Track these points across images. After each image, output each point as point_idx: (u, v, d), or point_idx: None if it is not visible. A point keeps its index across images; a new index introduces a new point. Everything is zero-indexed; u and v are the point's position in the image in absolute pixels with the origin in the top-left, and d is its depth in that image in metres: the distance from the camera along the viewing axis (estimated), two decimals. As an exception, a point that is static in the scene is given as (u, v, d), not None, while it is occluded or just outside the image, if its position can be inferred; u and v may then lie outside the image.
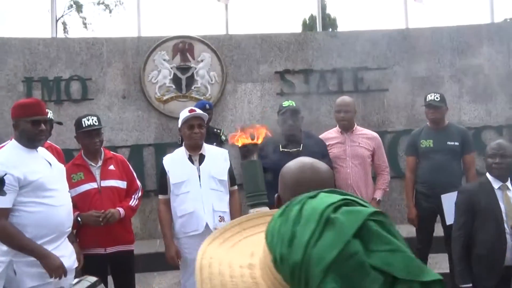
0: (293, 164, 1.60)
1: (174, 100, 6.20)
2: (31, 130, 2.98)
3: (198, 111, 3.75)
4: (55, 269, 2.92)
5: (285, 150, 3.94)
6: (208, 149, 3.77)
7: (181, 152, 3.75)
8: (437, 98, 4.51)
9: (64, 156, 4.15)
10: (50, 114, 3.83)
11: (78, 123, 3.65)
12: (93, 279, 1.17)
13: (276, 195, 1.63)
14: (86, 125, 3.59)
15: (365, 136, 4.42)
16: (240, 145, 2.04)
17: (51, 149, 3.80)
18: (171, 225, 3.71)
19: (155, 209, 6.10)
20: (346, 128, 4.37)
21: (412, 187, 4.62)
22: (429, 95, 4.58)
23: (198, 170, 3.63)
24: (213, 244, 0.87)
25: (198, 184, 3.58)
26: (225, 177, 3.68)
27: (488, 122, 6.36)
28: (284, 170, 1.62)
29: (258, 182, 1.94)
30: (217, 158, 3.71)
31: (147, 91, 6.21)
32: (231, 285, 0.75)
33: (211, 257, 0.81)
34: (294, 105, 4.12)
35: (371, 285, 0.62)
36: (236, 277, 0.76)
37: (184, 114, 3.69)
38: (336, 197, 0.72)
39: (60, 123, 4.05)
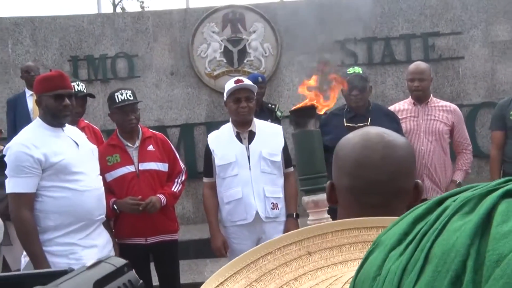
0: (353, 137, 1.09)
1: (225, 75, 5.77)
2: (54, 106, 2.64)
3: (246, 81, 3.25)
4: None
5: (350, 125, 3.38)
6: (259, 125, 3.27)
7: (227, 129, 3.27)
8: None
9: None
10: (81, 87, 3.44)
11: (111, 99, 3.26)
12: (119, 261, 0.79)
13: (328, 183, 1.14)
14: (120, 100, 3.19)
15: (443, 108, 3.80)
16: (292, 108, 1.51)
17: (87, 129, 3.46)
18: (217, 212, 3.29)
19: (207, 192, 5.79)
20: (421, 99, 3.77)
21: (499, 167, 3.96)
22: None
23: (247, 149, 3.16)
24: (225, 286, 0.43)
25: (248, 166, 3.11)
26: (278, 157, 3.18)
27: None
28: (340, 146, 1.11)
29: (315, 161, 1.45)
30: (270, 136, 3.21)
31: (197, 66, 5.83)
32: None
33: None
34: (361, 72, 3.55)
35: None
36: None
37: (229, 85, 3.20)
38: None
39: (91, 96, 3.63)
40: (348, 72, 3.58)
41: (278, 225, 3.19)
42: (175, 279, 3.45)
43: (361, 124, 3.40)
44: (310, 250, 0.45)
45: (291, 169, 3.30)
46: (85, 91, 3.46)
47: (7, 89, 5.79)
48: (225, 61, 5.82)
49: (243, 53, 5.80)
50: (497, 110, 4.04)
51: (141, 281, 0.79)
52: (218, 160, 3.17)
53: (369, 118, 3.48)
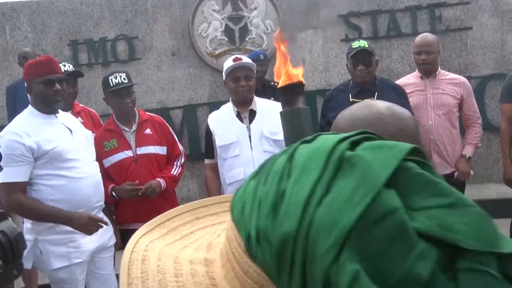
0: (360, 111, 1.04)
1: (227, 54, 5.63)
2: (44, 92, 2.57)
3: (245, 59, 3.14)
4: (85, 228, 2.61)
5: (356, 100, 3.26)
6: (259, 103, 3.17)
7: (228, 109, 3.18)
8: None
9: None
10: (68, 67, 3.34)
11: (105, 82, 3.15)
12: None
13: None
14: (114, 83, 3.08)
15: (451, 81, 3.67)
16: (278, 85, 1.41)
17: (84, 113, 3.38)
18: (220, 194, 3.21)
19: (213, 174, 5.72)
20: (428, 72, 3.64)
21: (509, 141, 3.82)
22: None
23: (248, 129, 3.07)
24: (150, 234, 0.61)
25: (249, 146, 3.03)
26: (281, 136, 3.07)
27: None
28: (346, 122, 1.05)
29: None
30: (271, 114, 3.08)
31: (198, 46, 5.70)
32: (175, 287, 0.49)
33: (146, 250, 0.56)
34: (367, 45, 3.41)
35: (417, 263, 0.35)
36: (185, 275, 0.51)
37: (227, 64, 3.10)
38: (349, 133, 0.47)
39: (80, 74, 3.51)
40: (353, 46, 3.45)
41: None
42: None
43: (368, 100, 3.29)
44: (198, 216, 0.65)
45: None
46: (72, 70, 3.37)
47: (7, 76, 5.72)
48: (226, 39, 5.68)
49: (244, 30, 5.66)
50: (508, 82, 3.89)
51: (19, 230, 0.81)
52: (218, 141, 3.09)
53: (376, 93, 3.37)
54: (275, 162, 0.48)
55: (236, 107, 3.14)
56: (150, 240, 0.58)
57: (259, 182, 0.47)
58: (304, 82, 1.39)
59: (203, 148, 5.54)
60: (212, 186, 3.20)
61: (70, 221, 2.59)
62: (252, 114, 3.12)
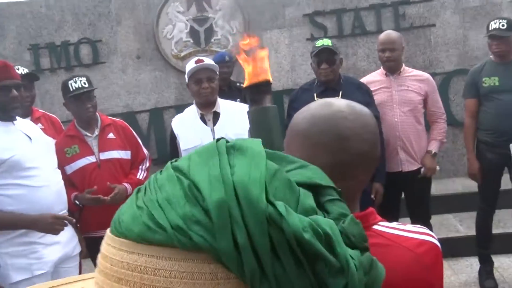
0: (321, 110, 1.03)
1: (193, 56, 5.52)
2: (0, 99, 2.46)
3: (207, 60, 3.09)
4: (51, 228, 2.54)
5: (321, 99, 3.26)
6: (223, 105, 3.13)
7: (191, 112, 3.14)
8: (503, 25, 3.68)
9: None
10: (22, 70, 3.23)
11: (65, 87, 3.06)
12: None
13: None
14: (74, 88, 2.99)
15: (416, 78, 3.70)
16: (245, 84, 1.43)
17: (44, 119, 3.28)
18: None
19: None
20: (393, 69, 3.66)
21: (473, 135, 3.88)
22: (492, 23, 3.75)
23: (213, 131, 3.04)
24: None
25: None
26: (245, 137, 3.05)
27: (557, 53, 5.45)
28: (305, 123, 1.04)
29: (273, 139, 1.29)
30: (235, 115, 3.05)
31: (163, 48, 5.62)
32: None
33: None
34: (330, 44, 3.41)
35: (306, 201, 0.51)
36: None
37: (189, 66, 3.05)
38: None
39: (35, 77, 3.39)
40: (317, 45, 3.44)
41: None
42: None
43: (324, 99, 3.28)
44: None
45: None
46: (26, 72, 3.26)
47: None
48: (191, 41, 5.62)
49: (210, 32, 5.61)
50: (469, 78, 3.95)
51: None
52: (183, 144, 3.04)
53: (340, 92, 3.36)
54: (149, 181, 0.54)
55: (200, 109, 3.10)
56: None
57: (140, 197, 0.52)
58: (271, 80, 1.37)
59: (171, 152, 5.56)
60: None
61: (34, 224, 2.50)
62: (216, 116, 3.08)
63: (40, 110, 3.52)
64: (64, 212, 2.70)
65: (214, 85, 3.05)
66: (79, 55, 5.65)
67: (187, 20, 5.61)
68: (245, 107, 3.16)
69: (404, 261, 0.99)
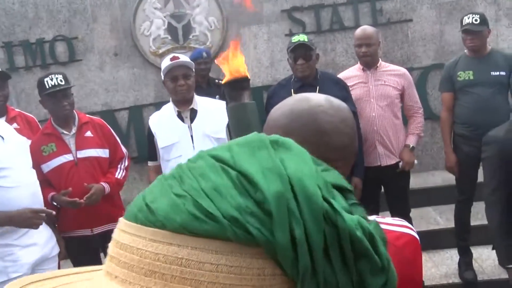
0: (299, 105, 1.04)
1: (171, 52, 5.49)
2: None
3: (183, 57, 3.07)
4: (30, 222, 2.49)
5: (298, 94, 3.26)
6: (200, 102, 3.11)
7: (168, 109, 3.12)
8: (476, 20, 3.74)
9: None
10: None
11: (40, 84, 3.01)
12: None
13: None
14: (50, 85, 2.95)
15: (392, 72, 3.72)
16: (224, 81, 1.40)
17: (20, 118, 3.22)
18: None
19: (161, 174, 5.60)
20: (369, 64, 3.68)
21: (450, 129, 3.94)
22: (466, 17, 3.80)
23: (190, 128, 3.01)
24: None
25: (191, 146, 2.96)
26: (223, 134, 3.04)
27: (531, 47, 5.55)
28: (284, 118, 1.04)
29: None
30: (213, 112, 3.05)
31: (141, 45, 5.56)
32: None
33: None
34: (306, 40, 3.41)
35: (341, 202, 0.50)
36: None
37: (165, 63, 3.03)
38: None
39: (6, 75, 3.32)
40: (293, 41, 3.44)
41: None
42: None
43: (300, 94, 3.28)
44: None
45: None
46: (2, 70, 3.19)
47: None
48: (169, 38, 5.57)
49: (188, 28, 5.56)
50: (445, 72, 4.00)
51: None
52: (160, 142, 3.03)
53: (317, 87, 3.37)
54: (188, 167, 0.52)
55: (177, 106, 3.08)
56: None
57: (176, 185, 0.49)
58: (249, 76, 1.38)
59: (151, 150, 5.52)
60: None
61: (10, 221, 2.45)
62: (194, 113, 3.06)
63: (16, 110, 3.46)
64: None
65: (190, 82, 3.02)
66: (54, 52, 5.57)
67: (164, 17, 5.56)
68: (222, 104, 3.17)
69: None
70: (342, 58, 5.54)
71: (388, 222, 1.10)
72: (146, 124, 5.53)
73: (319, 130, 0.99)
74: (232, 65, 1.34)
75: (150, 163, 3.19)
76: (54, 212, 2.64)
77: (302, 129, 1.00)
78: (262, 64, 5.59)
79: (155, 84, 5.62)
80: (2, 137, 2.51)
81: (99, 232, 3.09)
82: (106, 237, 3.06)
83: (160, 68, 5.48)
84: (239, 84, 1.38)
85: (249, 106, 1.37)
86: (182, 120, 3.05)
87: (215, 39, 5.56)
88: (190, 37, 5.57)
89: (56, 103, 2.98)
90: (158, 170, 3.09)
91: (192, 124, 3.02)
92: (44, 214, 2.54)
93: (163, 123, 3.08)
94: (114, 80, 5.62)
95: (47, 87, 2.95)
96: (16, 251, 2.53)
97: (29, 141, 2.89)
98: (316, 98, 1.05)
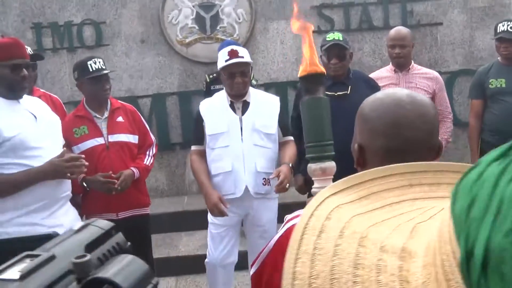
0: (382, 98, 1.12)
1: (198, 43, 5.54)
2: (10, 77, 2.41)
3: (241, 51, 2.99)
4: (63, 172, 2.48)
5: (329, 93, 3.23)
6: (254, 94, 3.09)
7: (221, 98, 3.09)
8: (511, 28, 3.70)
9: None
10: (28, 50, 3.19)
11: (83, 67, 3.03)
12: (106, 224, 0.76)
13: (356, 145, 1.13)
14: (94, 69, 2.98)
15: (425, 75, 3.69)
16: (300, 74, 1.49)
17: (45, 98, 3.22)
18: (208, 174, 3.06)
19: (181, 163, 5.62)
20: (402, 66, 3.65)
21: (478, 136, 3.90)
22: (500, 25, 3.76)
23: (241, 120, 3.00)
24: (341, 195, 0.47)
25: (240, 138, 2.95)
26: (273, 130, 3.02)
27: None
28: (369, 108, 1.11)
29: (324, 128, 1.45)
30: (265, 106, 3.04)
31: (168, 33, 5.56)
32: (349, 285, 0.37)
33: (329, 217, 0.44)
34: (341, 38, 3.38)
35: None
36: (367, 268, 0.38)
37: (222, 56, 2.96)
38: None
39: (40, 57, 3.34)
40: (327, 39, 3.41)
41: (268, 201, 3.05)
42: (147, 255, 3.31)
43: (341, 93, 3.27)
44: (412, 182, 0.51)
45: (290, 137, 3.14)
46: (31, 53, 3.21)
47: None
48: (197, 27, 5.56)
49: (216, 19, 5.55)
50: (476, 78, 3.96)
51: (129, 243, 0.77)
52: (208, 129, 3.01)
53: (349, 86, 3.34)
54: None
55: (230, 97, 3.06)
56: (338, 204, 0.46)
57: (505, 173, 0.34)
58: (325, 73, 1.45)
59: (172, 138, 5.54)
60: (199, 166, 3.04)
61: (45, 174, 2.43)
62: (246, 105, 3.04)
63: (42, 90, 3.48)
64: (66, 193, 2.65)
65: (247, 79, 3.00)
66: (82, 36, 5.58)
67: (193, 6, 5.55)
68: (275, 99, 3.16)
69: None
70: (369, 58, 5.50)
71: None
72: (169, 112, 5.58)
73: (392, 122, 1.05)
74: (310, 59, 1.41)
75: (194, 147, 3.13)
76: (84, 160, 2.58)
77: (376, 120, 1.08)
78: (288, 59, 5.57)
79: (180, 73, 5.63)
80: (35, 116, 2.52)
81: (124, 216, 3.10)
82: (129, 222, 3.09)
83: (186, 58, 5.54)
84: (316, 78, 1.52)
85: (323, 100, 1.50)
86: (234, 111, 3.03)
87: (242, 32, 5.54)
88: (218, 28, 5.56)
89: (99, 87, 3.02)
90: (202, 154, 3.06)
91: (243, 116, 3.01)
92: (74, 163, 2.49)
93: (214, 110, 3.06)
94: (139, 66, 5.63)
95: (91, 70, 2.98)
96: (43, 231, 2.54)
97: (59, 120, 2.91)
98: (401, 93, 1.12)
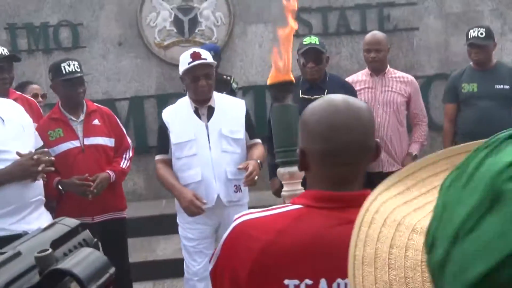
0: (319, 104, 1.19)
1: (176, 46, 5.51)
2: None
3: (204, 53, 2.87)
4: (31, 171, 2.42)
5: (306, 96, 3.26)
6: (218, 99, 2.97)
7: (185, 104, 2.96)
8: (481, 34, 3.77)
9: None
10: (2, 50, 3.12)
11: (57, 69, 2.99)
12: (73, 222, 0.81)
13: (298, 150, 1.21)
14: (67, 71, 2.94)
15: (400, 79, 3.74)
16: (269, 82, 1.58)
17: (21, 100, 3.17)
18: (176, 177, 2.91)
19: (159, 167, 5.58)
20: (377, 70, 3.70)
21: (452, 139, 3.97)
22: (471, 31, 3.84)
23: (207, 127, 2.88)
24: (390, 190, 0.57)
25: (207, 145, 2.83)
26: (241, 134, 2.92)
27: (534, 63, 5.59)
28: (308, 114, 1.19)
29: (292, 134, 1.53)
30: (231, 111, 2.95)
31: (146, 36, 5.53)
32: (387, 262, 0.50)
33: (377, 211, 0.56)
34: (318, 42, 3.40)
35: None
36: (399, 247, 0.50)
37: (185, 59, 2.83)
38: None
39: (16, 58, 3.27)
40: (304, 43, 3.44)
41: (240, 208, 2.88)
42: (124, 259, 3.27)
43: (317, 96, 3.28)
44: (455, 164, 0.50)
45: (258, 140, 3.05)
46: (7, 54, 3.14)
47: None
48: (175, 30, 5.55)
49: (194, 22, 5.54)
50: (450, 83, 4.04)
51: (95, 239, 0.80)
52: (174, 138, 2.88)
53: (326, 90, 3.37)
54: (475, 156, 0.41)
55: (194, 103, 2.93)
56: (387, 198, 0.55)
57: (458, 174, 0.41)
58: (294, 81, 1.61)
59: (150, 141, 5.49)
60: (165, 172, 2.90)
61: (11, 175, 2.35)
62: (210, 110, 2.92)
63: (18, 92, 3.43)
64: (38, 198, 2.58)
65: (211, 82, 2.85)
66: (58, 38, 5.52)
67: (171, 9, 5.53)
68: (240, 102, 3.10)
69: None
70: (347, 62, 5.55)
71: None
72: (146, 115, 5.54)
73: (329, 126, 1.13)
74: (281, 66, 1.48)
75: (158, 156, 2.99)
76: (53, 158, 2.53)
77: (314, 124, 1.15)
78: (266, 63, 5.57)
79: (158, 76, 5.60)
80: (3, 120, 2.45)
81: (100, 220, 3.07)
82: (106, 225, 3.06)
83: (164, 60, 5.51)
84: (285, 86, 1.60)
85: (291, 108, 1.58)
86: (199, 117, 2.92)
87: (220, 35, 5.54)
88: (196, 31, 5.55)
89: (72, 89, 2.98)
90: (168, 163, 2.92)
91: (208, 123, 2.89)
92: (43, 159, 2.41)
93: (179, 117, 2.93)
94: (116, 69, 5.58)
95: (64, 72, 2.94)
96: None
97: (32, 122, 2.86)
98: (336, 98, 1.19)
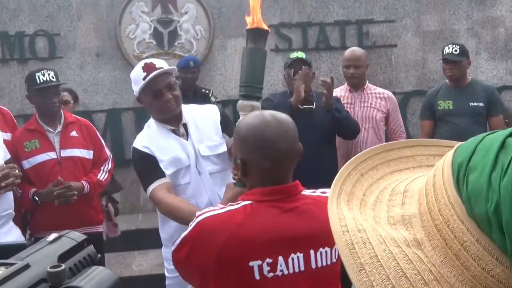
0: (252, 120, 1.44)
1: (155, 58, 5.45)
2: None
3: (159, 63, 2.24)
4: None
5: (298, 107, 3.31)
6: (187, 113, 2.36)
7: (156, 130, 2.33)
8: (455, 50, 3.83)
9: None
10: None
11: (31, 79, 2.93)
12: (79, 236, 0.84)
13: (239, 160, 1.44)
14: (42, 80, 2.87)
15: (379, 95, 3.76)
16: (249, 26, 1.81)
17: None
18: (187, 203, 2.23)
19: (136, 180, 5.43)
20: (356, 85, 3.71)
21: (429, 155, 3.99)
22: (446, 47, 3.90)
23: (193, 147, 2.31)
24: (342, 205, 0.62)
25: (196, 170, 2.28)
26: (223, 147, 2.35)
27: (509, 81, 5.71)
28: (244, 131, 1.44)
29: (259, 73, 1.77)
30: (204, 121, 2.37)
31: (124, 48, 5.48)
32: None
33: (359, 228, 0.56)
34: (305, 57, 3.42)
35: None
36: (383, 204, 0.60)
37: (137, 76, 2.20)
38: None
39: None
40: (291, 57, 3.45)
41: None
42: None
43: (307, 106, 3.30)
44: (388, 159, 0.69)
45: None
46: None
47: None
48: (154, 43, 5.51)
49: (173, 35, 5.52)
50: (426, 100, 4.08)
51: (99, 255, 0.82)
52: (167, 168, 2.26)
53: (314, 103, 3.38)
54: None
55: (167, 124, 2.32)
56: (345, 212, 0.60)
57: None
58: (269, 31, 1.88)
59: (127, 154, 5.40)
60: (174, 200, 2.19)
61: None
62: (185, 128, 2.35)
63: (-7, 103, 3.34)
64: (8, 212, 2.51)
65: (177, 93, 2.27)
66: (34, 47, 5.43)
67: (151, 21, 5.50)
68: (211, 107, 2.49)
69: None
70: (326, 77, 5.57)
71: (322, 191, 1.47)
72: (124, 128, 5.46)
73: (267, 138, 1.39)
74: (259, 17, 1.80)
75: (154, 184, 2.23)
76: (19, 173, 2.45)
77: (253, 138, 1.41)
78: (246, 76, 5.58)
79: (136, 88, 5.53)
80: None
81: (75, 235, 2.97)
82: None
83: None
84: (263, 33, 1.83)
85: (262, 51, 1.81)
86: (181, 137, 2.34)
87: (200, 48, 5.52)
88: (176, 44, 5.52)
89: (46, 99, 2.91)
90: (169, 188, 2.24)
91: (188, 141, 2.32)
92: (10, 171, 2.34)
93: (161, 144, 2.29)
94: (94, 80, 5.51)
95: (38, 82, 2.87)
96: None
97: (6, 135, 2.78)
98: (266, 114, 1.45)
